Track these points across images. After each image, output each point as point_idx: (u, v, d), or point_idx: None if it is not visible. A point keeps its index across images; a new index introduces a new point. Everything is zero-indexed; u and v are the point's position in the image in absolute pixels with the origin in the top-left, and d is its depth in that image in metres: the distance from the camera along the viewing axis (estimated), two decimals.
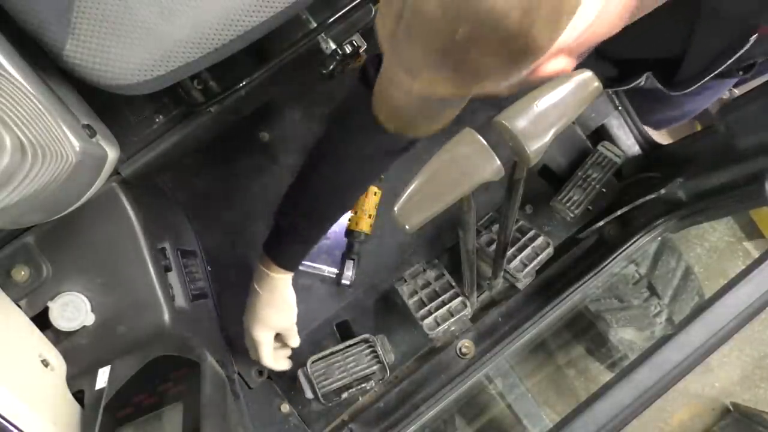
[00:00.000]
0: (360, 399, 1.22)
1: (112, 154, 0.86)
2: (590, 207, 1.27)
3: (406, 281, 1.21)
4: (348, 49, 0.95)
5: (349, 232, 1.23)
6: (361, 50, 0.98)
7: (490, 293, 1.28)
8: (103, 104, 0.91)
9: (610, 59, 0.98)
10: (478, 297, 1.21)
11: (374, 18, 0.94)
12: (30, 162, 0.61)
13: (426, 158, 0.60)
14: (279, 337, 1.11)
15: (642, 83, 0.94)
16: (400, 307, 1.21)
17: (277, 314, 1.07)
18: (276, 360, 1.11)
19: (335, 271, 1.22)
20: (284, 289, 1.06)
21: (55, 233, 0.92)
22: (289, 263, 1.03)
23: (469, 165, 0.59)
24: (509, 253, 1.14)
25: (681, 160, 1.19)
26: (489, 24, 0.50)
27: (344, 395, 1.14)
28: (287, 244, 1.03)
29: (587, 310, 1.56)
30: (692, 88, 0.85)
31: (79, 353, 0.91)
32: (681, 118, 1.46)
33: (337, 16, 0.89)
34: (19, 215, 0.69)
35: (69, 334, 0.90)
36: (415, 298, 1.18)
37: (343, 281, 1.21)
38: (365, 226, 1.22)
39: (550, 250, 1.18)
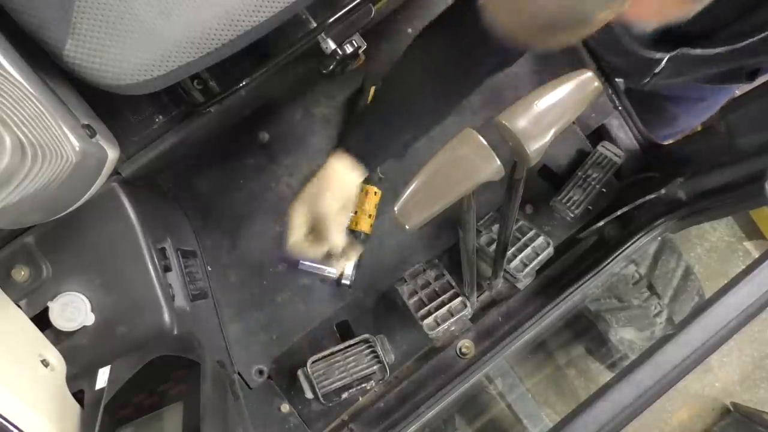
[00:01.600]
0: (360, 399, 1.22)
1: (112, 154, 0.87)
2: (590, 207, 1.27)
3: (406, 281, 1.21)
4: (348, 49, 0.95)
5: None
6: (361, 50, 0.98)
7: (490, 293, 1.28)
8: (103, 104, 0.91)
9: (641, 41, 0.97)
10: (478, 297, 1.21)
11: (373, 17, 0.94)
12: (30, 162, 0.61)
13: (426, 158, 0.60)
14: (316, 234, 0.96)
15: (662, 66, 0.93)
16: (400, 307, 1.21)
17: (324, 196, 0.91)
18: (301, 246, 0.95)
19: (335, 271, 1.22)
20: (344, 174, 0.91)
21: (55, 233, 0.92)
22: (359, 152, 0.91)
23: (469, 165, 0.59)
24: (509, 253, 1.14)
25: (681, 160, 1.19)
26: None
27: (344, 395, 1.14)
28: (361, 135, 0.93)
29: (587, 310, 1.56)
30: (727, 48, 0.84)
31: (79, 353, 0.91)
32: (672, 134, 1.47)
33: (337, 16, 0.89)
34: (19, 215, 0.69)
35: (69, 334, 0.90)
36: (415, 298, 1.18)
37: (343, 281, 1.21)
38: (365, 226, 1.22)
39: (550, 250, 1.18)
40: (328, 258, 0.99)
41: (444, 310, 1.14)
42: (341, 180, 0.92)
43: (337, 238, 0.94)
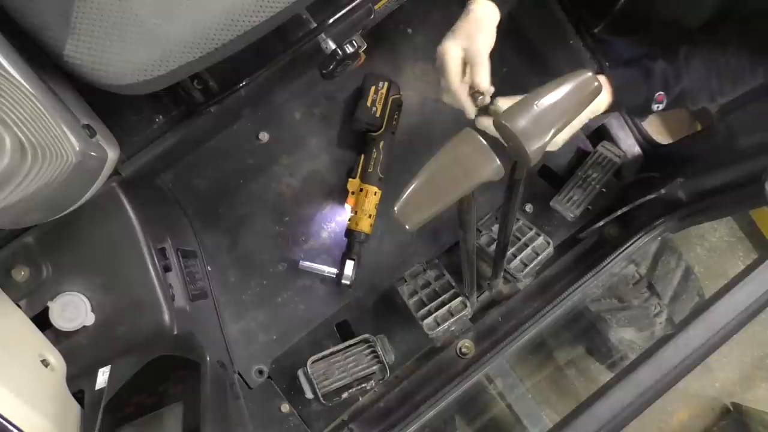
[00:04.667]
0: (360, 399, 1.22)
1: (112, 154, 0.87)
2: (590, 207, 1.27)
3: (406, 281, 1.21)
4: (348, 49, 0.95)
5: (349, 232, 1.23)
6: (361, 50, 0.97)
7: (490, 293, 1.28)
8: (103, 104, 0.91)
9: None
10: (478, 297, 1.21)
11: (373, 17, 0.94)
12: (30, 162, 0.61)
13: (426, 158, 0.60)
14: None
15: None
16: (400, 307, 1.21)
17: (470, 29, 0.92)
18: (462, 90, 0.95)
19: (335, 271, 1.22)
20: (489, 13, 0.94)
21: (55, 233, 0.92)
22: None
23: (469, 165, 0.59)
24: (509, 253, 1.14)
25: (681, 160, 1.20)
26: None
27: (344, 395, 1.14)
28: None
29: (587, 310, 1.56)
30: None
31: (79, 353, 0.91)
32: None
33: (337, 16, 0.89)
34: (19, 215, 0.69)
35: (69, 334, 0.90)
36: (415, 298, 1.18)
37: (343, 281, 1.21)
38: (365, 226, 1.22)
39: (550, 250, 1.18)
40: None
41: (444, 310, 1.14)
42: (487, 19, 0.93)
43: (486, 78, 0.93)
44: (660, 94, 0.99)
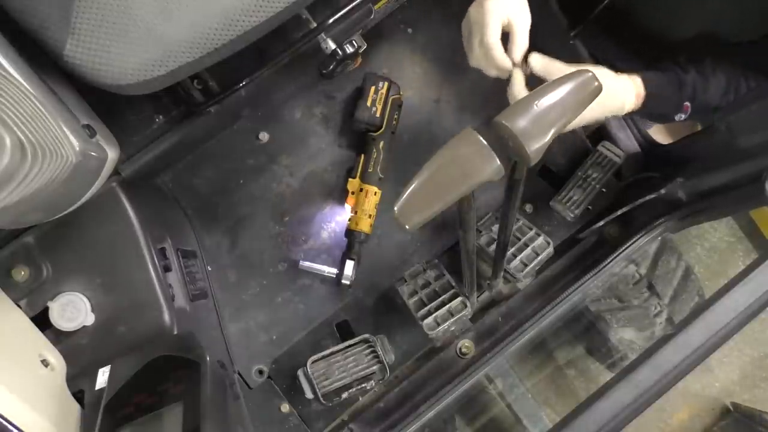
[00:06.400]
0: (360, 399, 1.22)
1: (112, 154, 0.87)
2: (590, 207, 1.27)
3: (406, 281, 1.21)
4: (348, 49, 0.95)
5: (349, 232, 1.23)
6: (361, 50, 0.98)
7: (490, 293, 1.28)
8: (103, 104, 0.92)
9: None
10: (478, 297, 1.21)
11: (373, 17, 0.94)
12: (30, 162, 0.61)
13: (426, 158, 0.60)
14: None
15: None
16: (400, 307, 1.21)
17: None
18: (500, 46, 0.90)
19: (335, 271, 1.22)
20: None
21: (55, 233, 0.92)
22: None
23: (469, 165, 0.59)
24: (509, 253, 1.14)
25: (681, 160, 1.19)
26: None
27: (344, 395, 1.14)
28: None
29: (587, 310, 1.56)
30: None
31: (79, 353, 0.91)
32: None
33: (337, 16, 0.89)
34: (19, 215, 0.69)
35: (69, 334, 0.90)
36: (415, 298, 1.18)
37: (343, 281, 1.21)
38: (365, 226, 1.22)
39: (550, 250, 1.18)
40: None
41: (444, 310, 1.14)
42: None
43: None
44: (687, 104, 0.99)
